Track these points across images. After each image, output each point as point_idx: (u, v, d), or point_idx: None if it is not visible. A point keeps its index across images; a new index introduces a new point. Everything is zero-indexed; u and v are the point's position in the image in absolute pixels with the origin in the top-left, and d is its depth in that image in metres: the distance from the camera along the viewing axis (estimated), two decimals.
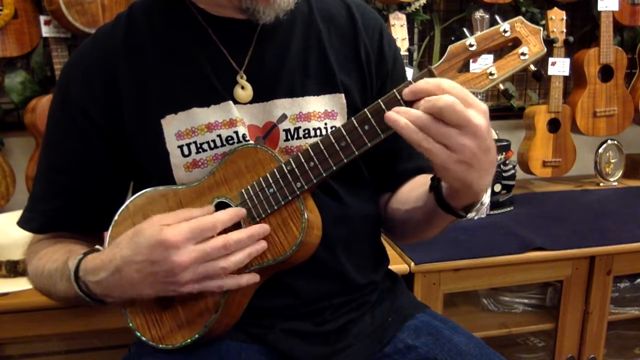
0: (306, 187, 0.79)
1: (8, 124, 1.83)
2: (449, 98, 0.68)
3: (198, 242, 0.76)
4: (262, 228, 0.81)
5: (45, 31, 1.67)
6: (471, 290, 1.77)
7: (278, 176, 0.81)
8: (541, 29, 0.74)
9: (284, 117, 0.90)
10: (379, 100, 0.74)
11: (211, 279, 0.78)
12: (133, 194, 0.91)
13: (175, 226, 0.76)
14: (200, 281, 0.77)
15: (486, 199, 0.84)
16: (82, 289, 0.83)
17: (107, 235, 0.89)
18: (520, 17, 0.75)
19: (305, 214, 0.80)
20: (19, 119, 1.81)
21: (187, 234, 0.75)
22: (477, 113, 0.70)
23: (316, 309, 0.93)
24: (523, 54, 0.73)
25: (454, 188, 0.78)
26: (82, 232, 0.96)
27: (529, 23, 0.74)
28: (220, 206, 0.85)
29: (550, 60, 2.03)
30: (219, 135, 0.88)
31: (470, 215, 0.84)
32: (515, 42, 0.74)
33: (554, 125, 2.10)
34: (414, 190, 0.95)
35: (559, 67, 2.03)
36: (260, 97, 0.90)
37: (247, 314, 0.89)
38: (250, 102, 0.90)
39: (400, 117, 0.71)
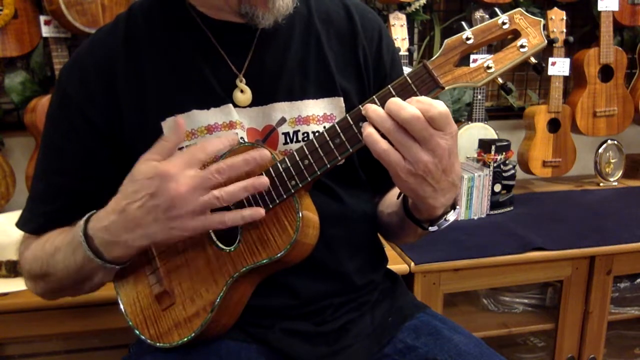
0: (301, 185, 0.79)
1: (8, 124, 1.83)
2: (413, 110, 0.70)
3: (194, 168, 0.76)
4: (259, 153, 0.77)
5: (45, 31, 1.67)
6: (471, 290, 1.77)
7: (273, 174, 0.80)
8: (542, 20, 0.72)
9: (283, 120, 0.90)
10: (374, 97, 0.74)
11: (208, 204, 0.76)
12: None
13: (168, 159, 0.77)
14: (202, 214, 0.76)
15: (451, 217, 0.84)
16: (89, 243, 0.81)
17: None
18: (520, 9, 0.73)
19: (300, 213, 0.79)
20: (19, 119, 1.81)
21: (181, 161, 0.76)
22: (444, 134, 0.71)
23: (316, 308, 0.93)
24: (522, 46, 0.71)
25: (411, 197, 0.80)
26: None
27: (528, 15, 0.72)
28: None
29: (550, 60, 2.03)
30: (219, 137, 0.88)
31: (431, 228, 0.87)
32: (515, 35, 0.72)
33: (554, 125, 2.10)
34: (395, 195, 0.96)
35: (559, 67, 2.03)
36: (259, 100, 0.90)
37: (247, 314, 0.89)
38: (250, 106, 0.90)
39: (368, 125, 0.73)
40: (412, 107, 0.70)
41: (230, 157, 0.77)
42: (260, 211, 0.79)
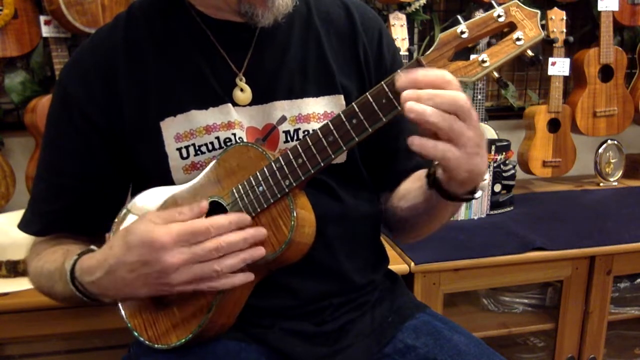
0: (295, 185, 0.79)
1: (8, 124, 1.83)
2: (458, 94, 0.67)
3: (190, 245, 0.75)
4: (257, 231, 0.79)
5: (45, 31, 1.67)
6: (471, 290, 1.77)
7: (267, 174, 0.80)
8: (538, 12, 0.70)
9: (283, 118, 0.90)
10: (367, 94, 0.73)
11: (204, 280, 0.77)
12: (132, 195, 0.91)
13: (168, 226, 0.75)
14: (193, 282, 0.77)
15: (487, 175, 0.80)
16: (79, 289, 0.83)
17: (109, 237, 0.90)
18: (516, 1, 0.71)
19: (295, 212, 0.79)
20: (19, 119, 1.81)
21: (179, 236, 0.74)
22: (457, 92, 0.68)
23: (316, 308, 0.93)
24: (518, 39, 0.69)
25: (460, 179, 0.75)
26: (83, 233, 0.96)
27: (525, 7, 0.70)
28: (214, 205, 0.85)
29: (550, 60, 2.03)
30: (217, 138, 0.88)
31: (477, 194, 0.82)
32: (511, 27, 0.71)
33: (554, 125, 2.10)
34: (413, 185, 0.94)
35: (559, 67, 2.03)
36: (259, 99, 0.90)
37: (247, 314, 0.89)
38: (250, 104, 0.90)
39: (419, 107, 0.68)
40: (454, 92, 0.67)
41: (228, 235, 0.76)
42: (250, 276, 0.80)
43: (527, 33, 0.70)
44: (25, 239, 0.98)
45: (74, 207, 0.93)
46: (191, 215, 0.79)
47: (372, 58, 0.96)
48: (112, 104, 0.88)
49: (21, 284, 1.35)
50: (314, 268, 0.91)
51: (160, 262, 0.74)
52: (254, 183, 0.81)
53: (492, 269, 1.55)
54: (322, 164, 0.77)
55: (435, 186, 0.81)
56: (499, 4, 0.71)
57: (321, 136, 0.76)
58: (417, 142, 0.70)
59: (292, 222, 0.79)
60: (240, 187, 0.83)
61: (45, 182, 0.94)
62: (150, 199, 0.89)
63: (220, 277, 0.77)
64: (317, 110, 0.91)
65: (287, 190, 0.79)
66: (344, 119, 0.75)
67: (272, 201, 0.80)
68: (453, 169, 0.72)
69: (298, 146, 0.78)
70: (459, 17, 0.73)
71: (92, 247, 0.86)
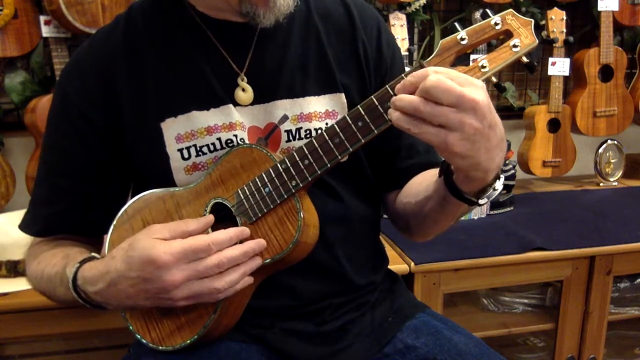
0: (301, 185, 0.79)
1: (8, 124, 1.83)
2: (434, 76, 0.66)
3: (191, 261, 0.76)
4: (257, 244, 0.80)
5: (45, 31, 1.67)
6: (471, 290, 1.77)
7: (273, 175, 0.81)
8: (532, 21, 0.74)
9: (285, 117, 0.90)
10: (372, 97, 0.74)
11: (205, 295, 0.78)
12: (133, 196, 0.91)
13: (169, 244, 0.76)
14: (194, 297, 0.78)
15: (499, 185, 0.78)
16: (81, 296, 0.84)
17: (107, 239, 0.89)
18: (511, 10, 0.74)
19: (301, 213, 0.80)
20: (19, 119, 1.81)
21: (179, 254, 0.75)
22: (473, 89, 0.66)
23: (316, 309, 0.93)
24: (515, 45, 0.73)
25: (463, 169, 0.74)
26: (83, 234, 0.96)
27: (519, 15, 0.74)
28: (217, 207, 0.85)
29: (550, 60, 2.03)
30: (219, 139, 0.88)
31: (482, 201, 0.80)
32: (507, 35, 0.74)
33: (554, 125, 2.10)
34: (425, 181, 0.93)
35: (559, 67, 2.03)
36: (261, 98, 0.90)
37: (247, 314, 0.89)
38: (252, 104, 0.90)
39: (392, 109, 0.70)
40: (432, 75, 0.67)
41: (229, 250, 0.78)
42: (250, 280, 0.81)
43: (523, 40, 0.73)
44: (26, 239, 0.98)
45: (74, 208, 0.93)
46: (197, 227, 0.80)
47: (372, 54, 0.96)
48: (111, 104, 0.88)
49: (21, 284, 1.35)
50: (314, 268, 0.91)
51: (160, 280, 0.75)
52: (259, 184, 0.82)
53: (492, 269, 1.55)
54: (329, 165, 0.78)
55: (446, 177, 0.80)
56: (498, 5, 0.74)
57: (327, 138, 0.77)
58: (396, 114, 0.69)
59: (299, 222, 0.79)
60: (245, 188, 0.83)
61: (46, 183, 0.94)
62: (145, 203, 0.89)
63: (222, 292, 0.78)
64: (319, 109, 0.91)
65: (293, 191, 0.80)
66: (350, 122, 0.75)
67: (278, 202, 0.81)
68: (442, 153, 0.70)
69: (304, 147, 0.79)
70: (456, 24, 0.76)
71: (94, 254, 0.87)
